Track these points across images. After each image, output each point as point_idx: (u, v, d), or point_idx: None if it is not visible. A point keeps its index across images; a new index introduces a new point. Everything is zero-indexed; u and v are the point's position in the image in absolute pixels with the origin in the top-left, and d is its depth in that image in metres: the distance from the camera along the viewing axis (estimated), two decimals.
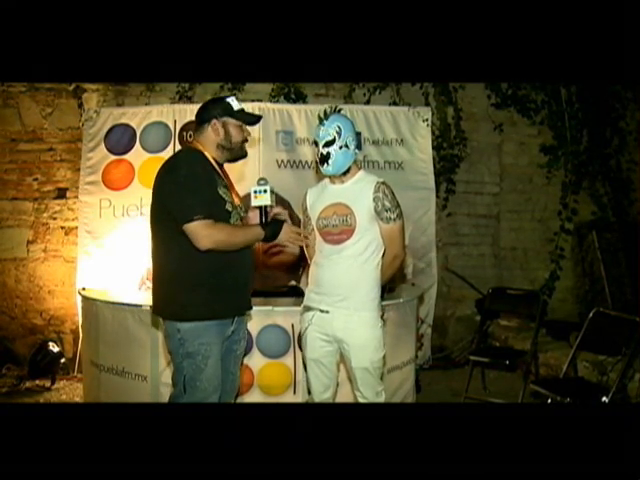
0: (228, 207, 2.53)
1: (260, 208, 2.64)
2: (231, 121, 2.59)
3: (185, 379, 2.51)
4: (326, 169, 2.73)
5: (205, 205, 2.43)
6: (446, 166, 5.64)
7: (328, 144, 2.68)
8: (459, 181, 5.72)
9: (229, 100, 2.61)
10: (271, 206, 2.67)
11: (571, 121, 5.71)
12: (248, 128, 2.68)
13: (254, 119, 2.72)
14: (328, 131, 2.68)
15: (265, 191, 2.62)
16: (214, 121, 2.57)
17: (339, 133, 2.68)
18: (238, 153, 2.65)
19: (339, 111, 2.76)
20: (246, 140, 2.65)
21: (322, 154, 2.70)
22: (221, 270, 2.51)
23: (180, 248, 2.47)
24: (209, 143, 2.59)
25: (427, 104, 5.52)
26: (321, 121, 2.71)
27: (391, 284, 3.94)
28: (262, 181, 2.67)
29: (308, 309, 2.82)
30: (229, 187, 2.62)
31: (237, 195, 2.68)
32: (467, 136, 5.69)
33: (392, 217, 2.73)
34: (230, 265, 2.53)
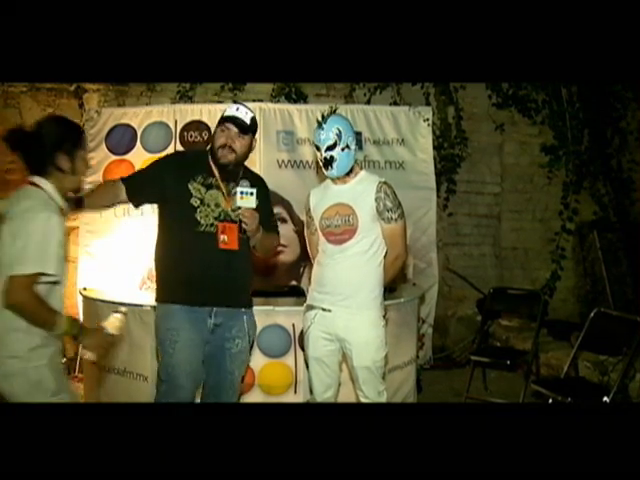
0: (193, 202, 2.59)
1: (239, 222, 2.59)
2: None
3: (160, 366, 2.63)
4: (331, 172, 2.74)
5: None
6: (447, 166, 5.64)
7: (330, 148, 2.69)
8: (460, 181, 5.72)
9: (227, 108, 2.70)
10: (255, 208, 2.58)
11: (572, 121, 5.71)
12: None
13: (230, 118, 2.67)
14: (328, 135, 2.68)
15: (252, 194, 2.53)
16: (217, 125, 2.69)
17: (339, 136, 2.69)
18: (216, 157, 2.64)
19: (334, 111, 2.76)
20: (224, 146, 2.62)
21: (325, 158, 2.70)
22: (174, 259, 2.62)
23: (157, 234, 2.71)
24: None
25: (428, 104, 5.52)
26: (320, 125, 2.71)
27: (392, 284, 3.93)
28: (245, 183, 2.59)
29: (311, 308, 2.83)
30: (220, 188, 2.64)
31: (229, 201, 2.63)
32: (468, 136, 5.70)
33: (393, 217, 2.74)
34: (184, 257, 2.60)
